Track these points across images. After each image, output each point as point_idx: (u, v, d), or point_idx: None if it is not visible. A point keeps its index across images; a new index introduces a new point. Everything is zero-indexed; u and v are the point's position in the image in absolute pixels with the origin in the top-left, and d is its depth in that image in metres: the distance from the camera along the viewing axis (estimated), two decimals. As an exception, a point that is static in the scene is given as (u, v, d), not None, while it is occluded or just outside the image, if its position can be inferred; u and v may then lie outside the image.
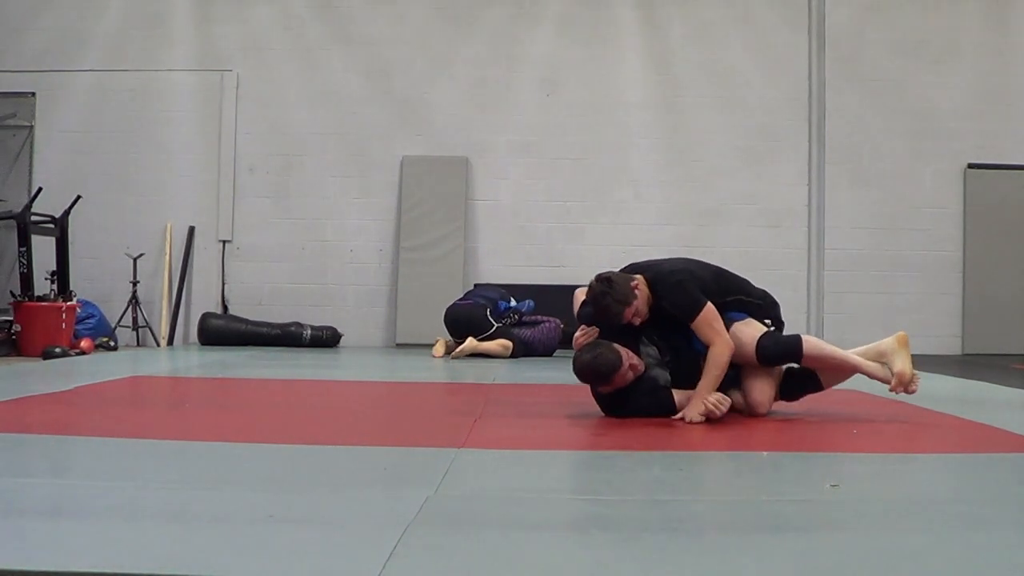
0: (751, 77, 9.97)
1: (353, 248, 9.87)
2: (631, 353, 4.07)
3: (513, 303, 8.62)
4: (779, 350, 4.21)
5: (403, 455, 3.33)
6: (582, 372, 4.10)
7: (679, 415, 4.06)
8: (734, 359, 4.15)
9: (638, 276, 4.21)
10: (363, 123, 9.92)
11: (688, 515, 2.44)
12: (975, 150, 9.93)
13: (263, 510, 2.41)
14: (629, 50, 10.01)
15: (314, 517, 2.36)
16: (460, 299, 8.72)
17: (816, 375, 4.36)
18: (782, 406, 4.60)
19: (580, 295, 4.40)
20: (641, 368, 4.10)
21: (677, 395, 4.16)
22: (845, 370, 4.34)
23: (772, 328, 4.31)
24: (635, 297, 4.10)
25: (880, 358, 4.24)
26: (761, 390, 4.28)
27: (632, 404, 4.13)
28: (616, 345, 4.05)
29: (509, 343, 8.26)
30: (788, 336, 4.32)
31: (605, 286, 4.09)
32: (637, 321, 4.13)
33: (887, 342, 4.24)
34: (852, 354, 4.31)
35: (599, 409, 4.25)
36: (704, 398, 4.01)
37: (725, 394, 4.17)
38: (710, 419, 3.99)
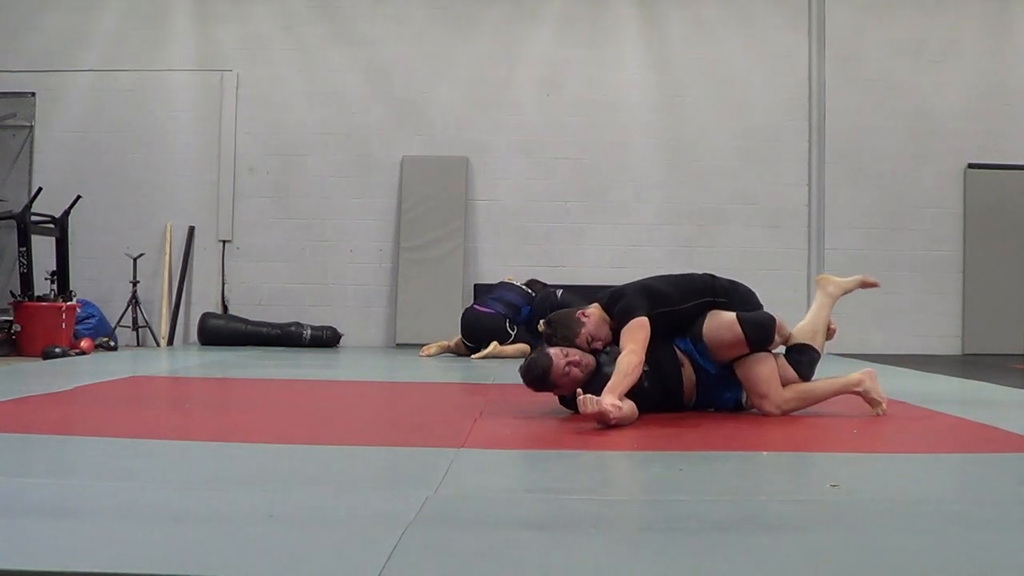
0: (751, 77, 9.97)
1: (353, 248, 9.87)
2: (572, 351, 4.13)
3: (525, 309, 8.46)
4: (757, 317, 4.29)
5: (403, 455, 3.33)
6: (525, 383, 4.19)
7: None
8: (720, 352, 4.23)
9: (592, 305, 4.36)
10: (363, 123, 9.93)
11: (688, 515, 2.43)
12: (975, 150, 9.94)
13: (263, 510, 2.41)
14: (629, 50, 10.01)
15: (314, 517, 2.36)
16: (480, 304, 8.54)
17: (808, 344, 4.50)
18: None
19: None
20: (591, 363, 4.12)
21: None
22: (819, 334, 4.55)
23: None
24: (581, 325, 4.24)
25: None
26: (765, 380, 4.26)
27: None
28: (548, 349, 4.14)
29: (528, 348, 8.16)
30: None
31: (548, 328, 4.32)
32: (599, 345, 4.24)
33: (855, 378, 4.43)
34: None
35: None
36: (608, 397, 3.82)
37: (739, 403, 4.33)
38: (606, 423, 3.79)
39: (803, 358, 4.46)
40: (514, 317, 8.35)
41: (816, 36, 9.97)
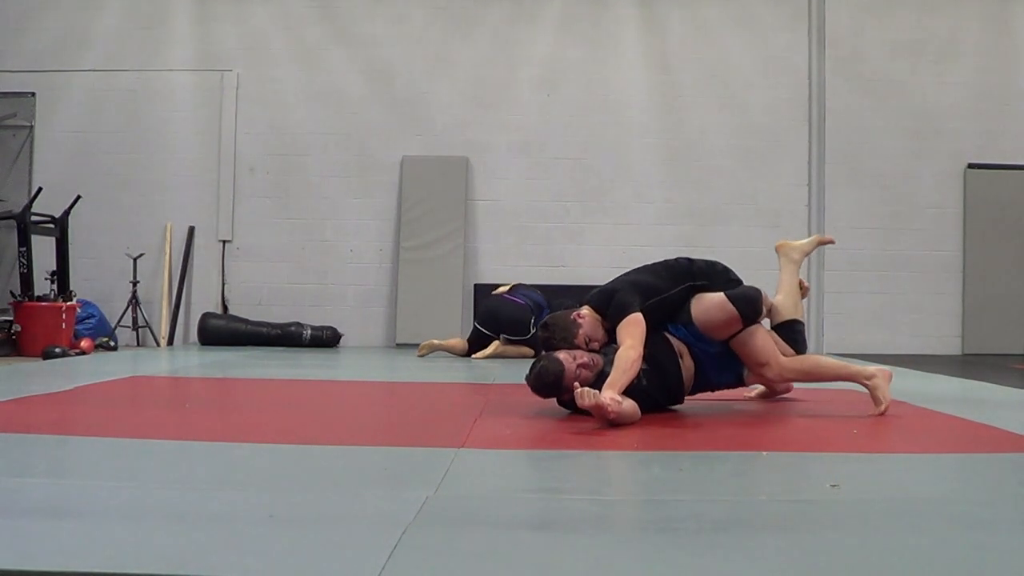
0: (751, 77, 9.97)
1: (353, 248, 9.87)
2: (579, 353, 4.12)
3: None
4: (744, 292, 4.35)
5: (403, 455, 3.33)
6: (535, 390, 4.14)
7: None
8: (715, 332, 4.27)
9: (584, 306, 4.37)
10: (363, 123, 9.93)
11: (688, 515, 2.43)
12: (975, 150, 9.93)
13: (263, 510, 2.41)
14: (629, 50, 10.01)
15: (314, 517, 2.36)
16: (508, 293, 8.43)
17: (792, 319, 4.59)
18: (787, 406, 4.60)
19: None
20: (599, 362, 4.12)
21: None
22: (799, 300, 4.69)
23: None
24: (578, 327, 4.25)
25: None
26: (762, 348, 4.31)
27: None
28: (556, 353, 4.10)
29: (531, 351, 8.10)
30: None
31: (546, 332, 4.31)
32: (596, 346, 4.25)
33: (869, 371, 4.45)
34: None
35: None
36: (608, 392, 3.82)
37: (740, 378, 4.38)
38: (604, 416, 3.79)
39: (795, 335, 4.56)
40: (538, 316, 8.28)
41: (816, 36, 9.97)
